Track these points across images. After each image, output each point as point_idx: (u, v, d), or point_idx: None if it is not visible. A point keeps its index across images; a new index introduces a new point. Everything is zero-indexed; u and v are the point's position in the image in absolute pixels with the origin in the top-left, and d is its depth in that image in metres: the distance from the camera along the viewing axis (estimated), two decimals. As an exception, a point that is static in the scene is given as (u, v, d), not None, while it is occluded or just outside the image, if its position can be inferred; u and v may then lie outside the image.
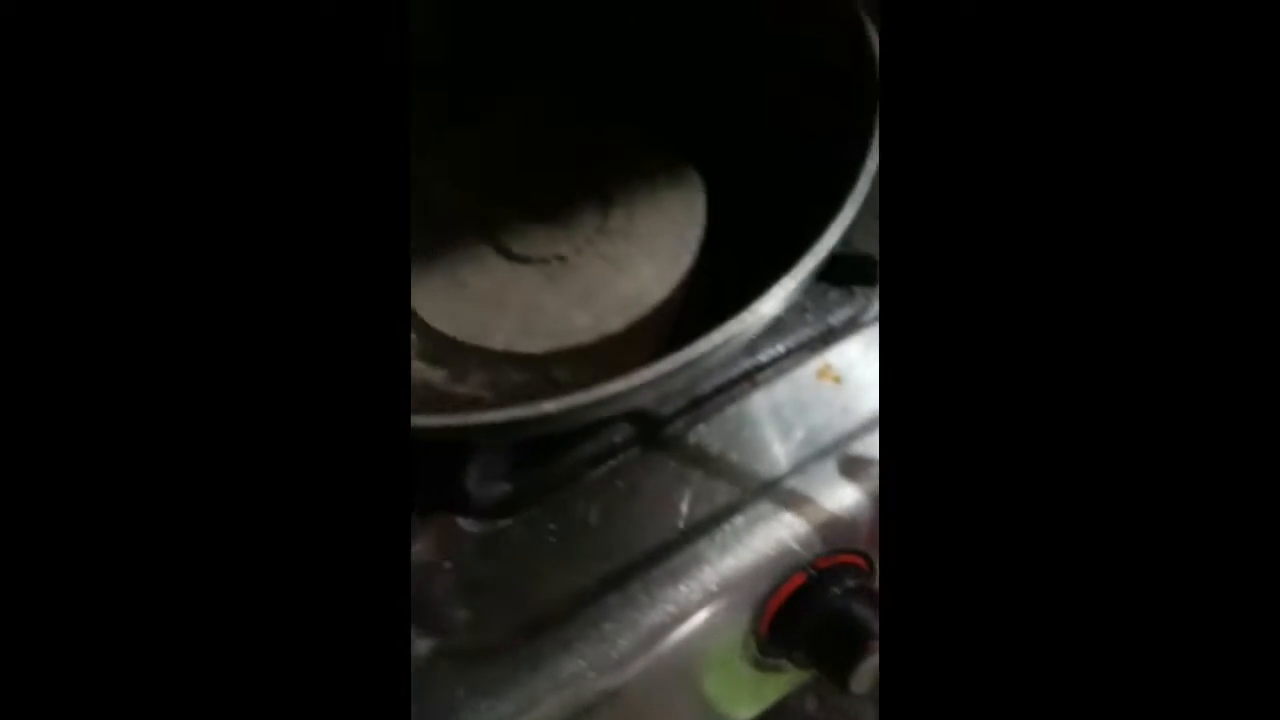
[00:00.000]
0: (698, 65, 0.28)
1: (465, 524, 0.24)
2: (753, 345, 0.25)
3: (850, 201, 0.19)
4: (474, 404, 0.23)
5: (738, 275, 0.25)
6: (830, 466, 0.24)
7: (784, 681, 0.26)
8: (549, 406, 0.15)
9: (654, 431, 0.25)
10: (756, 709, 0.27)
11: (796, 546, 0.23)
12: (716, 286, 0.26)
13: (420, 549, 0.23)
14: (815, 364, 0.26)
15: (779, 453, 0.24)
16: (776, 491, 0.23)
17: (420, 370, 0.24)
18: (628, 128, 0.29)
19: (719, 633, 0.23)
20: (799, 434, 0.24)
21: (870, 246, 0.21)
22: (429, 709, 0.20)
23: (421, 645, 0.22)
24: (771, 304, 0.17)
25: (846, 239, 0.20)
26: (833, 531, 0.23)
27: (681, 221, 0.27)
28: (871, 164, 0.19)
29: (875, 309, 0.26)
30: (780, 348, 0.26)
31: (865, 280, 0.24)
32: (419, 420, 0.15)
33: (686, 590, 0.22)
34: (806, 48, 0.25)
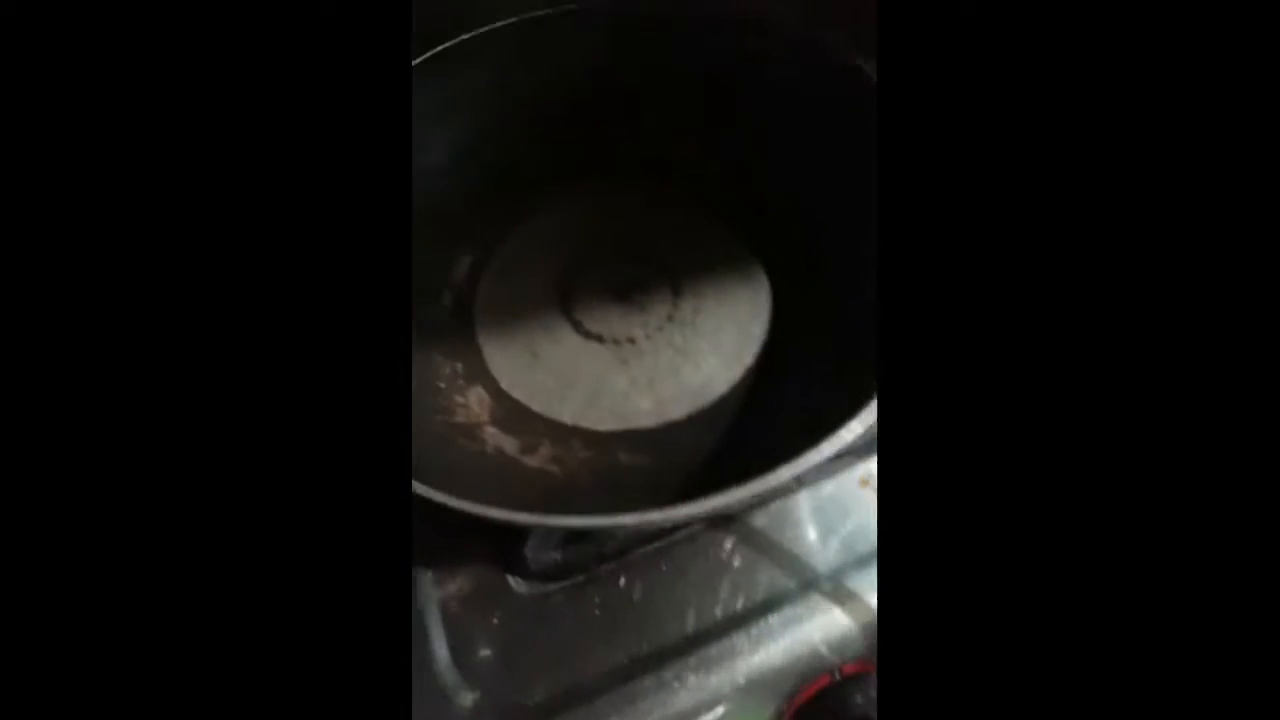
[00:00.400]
0: (778, 170, 0.30)
1: (515, 583, 0.25)
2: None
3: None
4: (542, 476, 0.25)
5: (800, 373, 0.27)
6: (865, 575, 0.25)
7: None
8: (626, 520, 0.17)
9: (698, 520, 0.26)
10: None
11: (825, 650, 0.24)
12: (778, 382, 0.27)
13: (473, 600, 0.25)
14: (859, 471, 0.27)
15: (818, 555, 0.25)
16: (812, 593, 0.25)
17: (494, 436, 0.26)
18: (706, 222, 0.31)
19: (740, 725, 0.24)
20: (838, 539, 0.26)
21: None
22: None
23: (466, 698, 0.23)
24: (856, 429, 0.19)
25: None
26: (861, 639, 0.24)
27: (747, 318, 0.29)
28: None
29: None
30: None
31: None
32: (516, 516, 0.17)
33: (717, 680, 0.23)
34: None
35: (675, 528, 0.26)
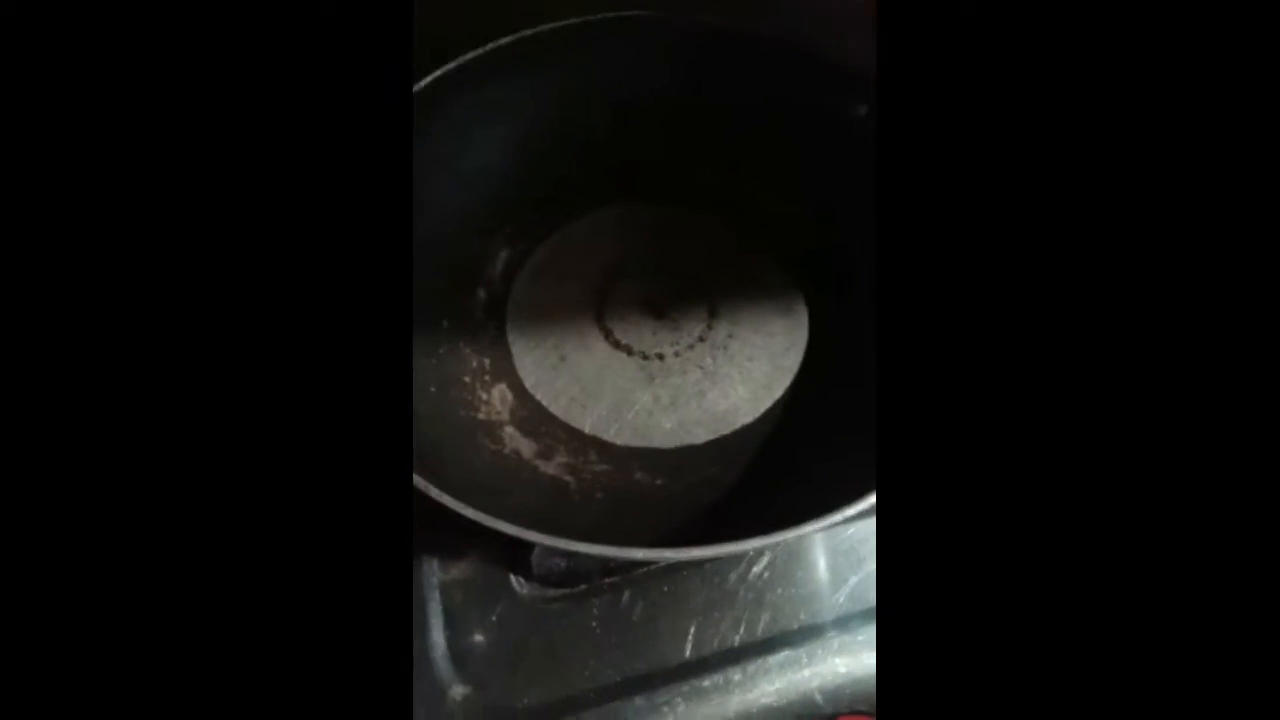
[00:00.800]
0: (837, 207, 0.29)
1: (518, 583, 0.26)
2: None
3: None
4: (556, 485, 0.25)
5: (829, 417, 0.26)
6: (870, 627, 0.24)
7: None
8: (637, 554, 0.17)
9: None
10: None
11: (819, 698, 0.23)
12: (805, 421, 0.27)
13: (475, 592, 0.25)
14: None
15: (825, 600, 0.25)
16: (813, 639, 0.24)
17: (513, 437, 0.26)
18: (753, 249, 0.30)
19: (726, 755, 0.24)
20: (848, 587, 0.25)
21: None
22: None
23: (459, 691, 0.24)
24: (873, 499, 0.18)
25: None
26: (856, 691, 0.24)
27: (781, 350, 0.28)
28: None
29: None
30: (847, 496, 0.26)
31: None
32: (527, 534, 0.17)
33: (706, 712, 0.23)
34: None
35: (682, 551, 0.26)
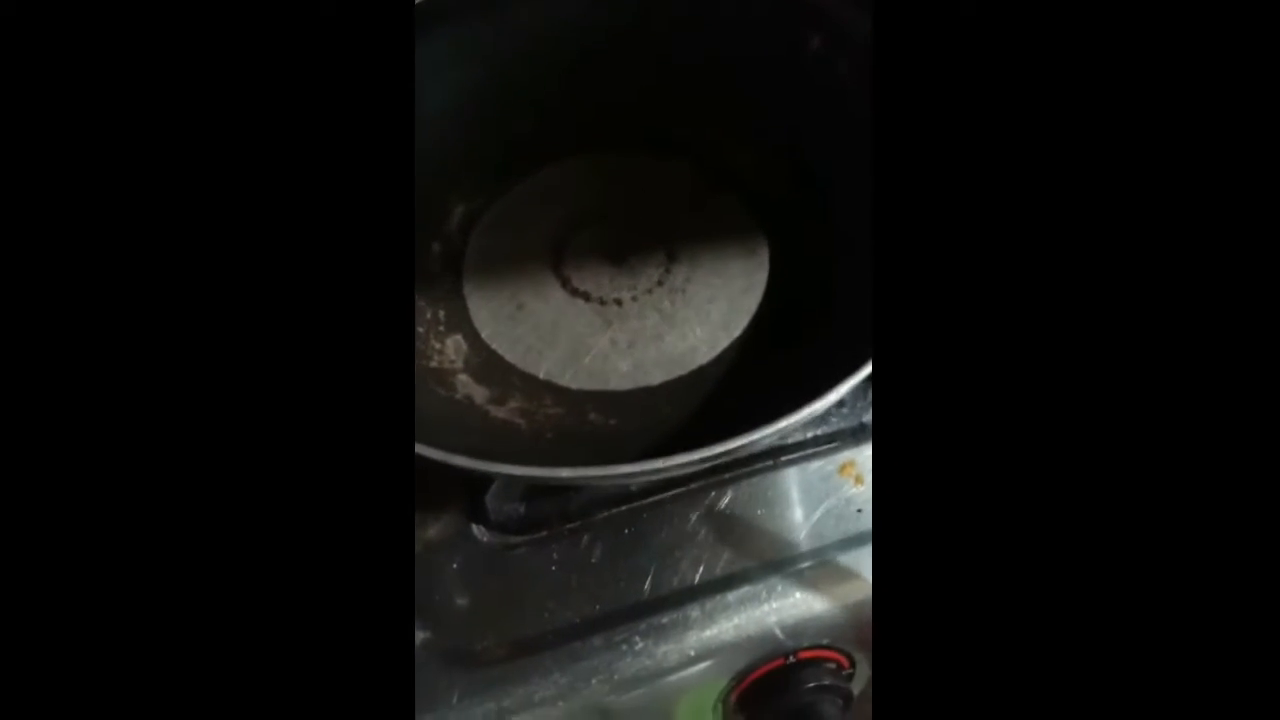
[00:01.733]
0: (803, 151, 0.28)
1: (479, 532, 0.25)
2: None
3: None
4: (507, 428, 0.25)
5: (787, 357, 0.26)
6: (830, 565, 0.24)
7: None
8: (563, 473, 0.17)
9: (667, 488, 0.26)
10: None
11: (779, 633, 0.23)
12: (763, 361, 0.26)
13: (437, 543, 0.25)
14: (841, 458, 0.26)
15: (786, 538, 0.25)
16: (771, 575, 0.24)
17: (466, 384, 0.26)
18: (715, 193, 0.30)
19: (690, 693, 0.24)
20: (809, 525, 0.25)
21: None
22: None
23: (418, 635, 0.24)
24: (824, 404, 0.18)
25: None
26: (818, 626, 0.24)
27: (740, 292, 0.28)
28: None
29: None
30: (809, 434, 0.26)
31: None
32: (462, 460, 0.17)
33: (665, 649, 0.23)
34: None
35: (643, 493, 0.26)
